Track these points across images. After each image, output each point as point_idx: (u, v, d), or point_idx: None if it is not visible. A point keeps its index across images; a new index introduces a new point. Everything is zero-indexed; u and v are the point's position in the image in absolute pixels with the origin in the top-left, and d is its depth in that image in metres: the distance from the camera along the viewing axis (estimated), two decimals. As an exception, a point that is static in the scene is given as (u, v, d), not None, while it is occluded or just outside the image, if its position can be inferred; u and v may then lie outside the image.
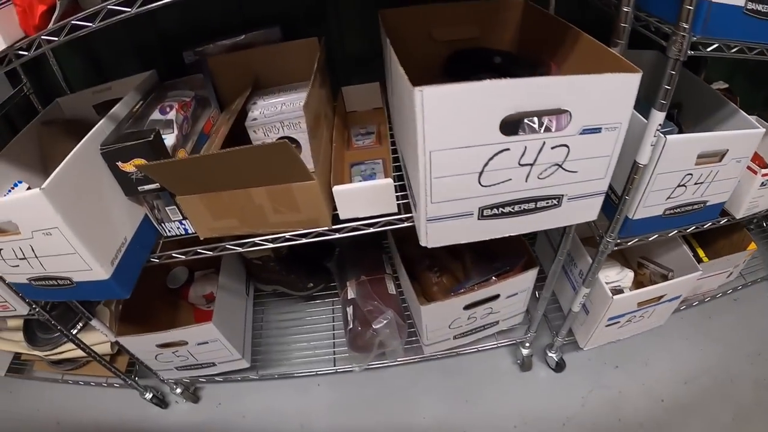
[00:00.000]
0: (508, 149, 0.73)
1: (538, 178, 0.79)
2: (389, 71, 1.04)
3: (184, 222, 1.08)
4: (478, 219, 0.84)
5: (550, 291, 1.35)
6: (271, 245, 1.07)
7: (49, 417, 1.63)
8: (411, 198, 0.97)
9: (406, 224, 1.03)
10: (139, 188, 1.00)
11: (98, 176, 0.95)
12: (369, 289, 1.48)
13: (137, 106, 1.07)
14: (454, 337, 1.44)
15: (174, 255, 1.09)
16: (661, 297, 1.33)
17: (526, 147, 0.74)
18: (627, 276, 1.45)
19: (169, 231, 1.10)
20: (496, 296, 1.31)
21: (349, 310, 1.48)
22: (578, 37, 0.88)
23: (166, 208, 1.05)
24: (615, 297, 1.24)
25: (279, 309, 1.79)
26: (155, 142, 0.93)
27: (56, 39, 0.75)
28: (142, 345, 1.33)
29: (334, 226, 1.04)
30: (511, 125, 0.73)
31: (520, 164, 0.76)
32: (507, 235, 0.88)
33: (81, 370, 1.59)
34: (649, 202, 1.03)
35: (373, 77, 1.33)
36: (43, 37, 0.75)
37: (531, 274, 1.31)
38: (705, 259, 1.49)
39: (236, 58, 1.19)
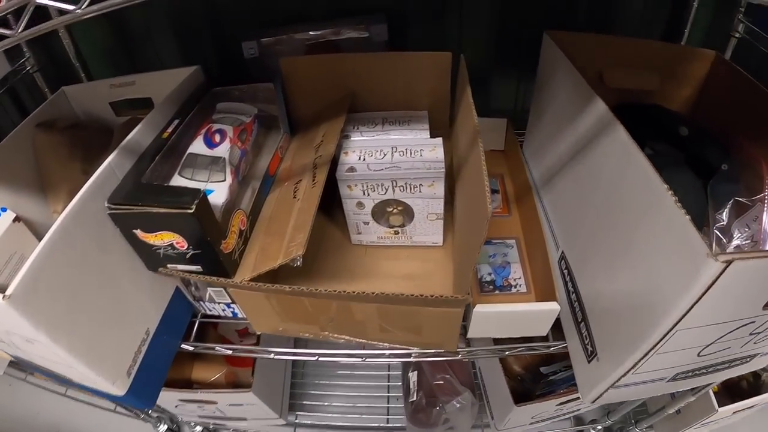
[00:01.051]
0: (753, 322, 0.48)
1: (753, 343, 0.54)
2: (558, 116, 0.67)
3: (232, 306, 0.66)
4: (668, 382, 0.58)
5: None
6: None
7: (49, 424, 1.30)
8: (582, 341, 0.62)
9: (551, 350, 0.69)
10: (169, 266, 0.58)
11: (105, 246, 0.54)
12: (438, 355, 1.09)
13: (171, 127, 0.63)
14: (531, 423, 1.09)
15: (218, 349, 0.68)
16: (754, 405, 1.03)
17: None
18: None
19: (210, 310, 0.69)
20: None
21: (412, 376, 1.09)
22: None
23: (210, 290, 0.63)
24: (720, 409, 0.96)
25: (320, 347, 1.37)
26: (200, 214, 0.50)
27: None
28: (161, 398, 0.94)
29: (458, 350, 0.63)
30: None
31: (749, 334, 0.51)
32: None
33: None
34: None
35: (489, 106, 0.90)
36: None
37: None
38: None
39: (324, 63, 0.72)
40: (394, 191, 0.62)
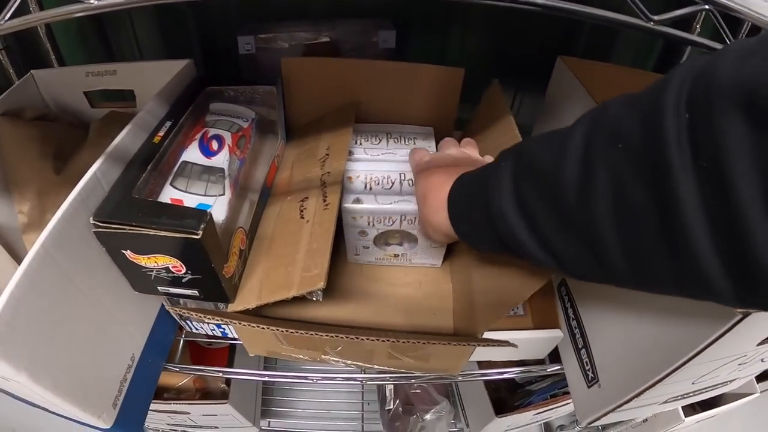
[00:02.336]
0: (745, 355, 0.50)
1: (738, 370, 0.56)
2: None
3: (223, 326, 0.61)
4: (660, 404, 0.60)
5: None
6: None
7: (4, 428, 1.21)
8: (582, 367, 0.61)
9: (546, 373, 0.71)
10: (160, 289, 0.52)
11: (88, 267, 0.47)
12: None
13: (162, 130, 0.56)
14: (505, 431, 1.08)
15: (207, 372, 0.63)
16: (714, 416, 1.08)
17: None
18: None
19: (197, 329, 0.63)
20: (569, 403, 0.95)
21: (388, 384, 1.06)
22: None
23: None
24: (686, 419, 0.99)
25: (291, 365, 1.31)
26: (206, 238, 0.44)
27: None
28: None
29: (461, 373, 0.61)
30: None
31: (738, 364, 0.53)
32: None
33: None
34: None
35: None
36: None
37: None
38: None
39: (329, 67, 0.65)
40: (401, 224, 0.58)
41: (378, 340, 0.45)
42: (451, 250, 0.66)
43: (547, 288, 0.65)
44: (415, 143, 0.64)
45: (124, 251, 0.47)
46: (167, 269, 0.48)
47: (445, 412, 1.01)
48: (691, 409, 1.05)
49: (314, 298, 0.47)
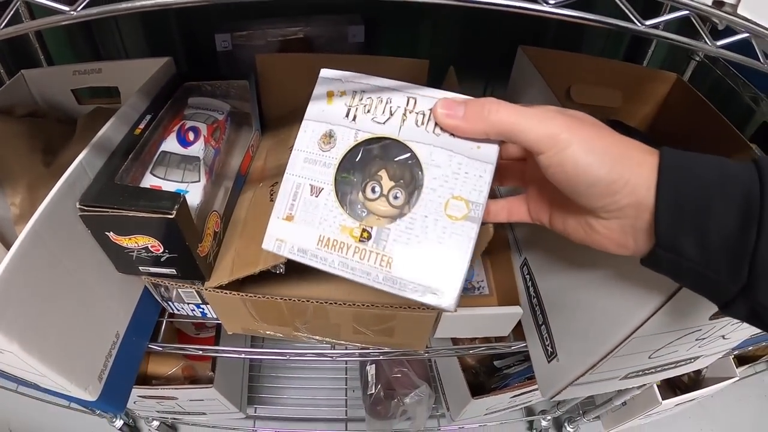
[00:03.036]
0: (700, 329, 0.51)
1: (698, 347, 0.58)
2: None
3: (203, 306, 0.65)
4: (620, 380, 0.63)
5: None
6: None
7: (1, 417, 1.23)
8: (543, 342, 0.64)
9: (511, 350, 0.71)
10: (141, 269, 0.56)
11: (74, 248, 0.51)
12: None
13: (143, 123, 0.61)
14: (485, 414, 1.12)
15: (189, 349, 0.67)
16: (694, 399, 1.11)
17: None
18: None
19: (179, 310, 0.67)
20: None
21: (370, 369, 1.11)
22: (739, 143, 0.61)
23: (180, 291, 0.62)
24: (664, 402, 1.01)
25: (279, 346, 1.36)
26: (180, 218, 0.49)
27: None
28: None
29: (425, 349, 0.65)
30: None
31: (695, 339, 0.54)
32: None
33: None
34: None
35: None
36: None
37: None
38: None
39: (301, 62, 0.69)
40: None
41: (339, 304, 0.49)
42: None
43: (509, 267, 0.68)
44: None
45: (107, 233, 0.51)
46: (147, 249, 0.52)
47: (426, 395, 1.04)
48: (671, 392, 1.09)
49: (278, 271, 0.51)
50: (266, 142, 0.72)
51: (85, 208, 0.48)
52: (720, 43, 0.31)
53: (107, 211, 0.48)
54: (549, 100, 0.61)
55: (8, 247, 0.62)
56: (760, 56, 0.31)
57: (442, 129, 0.35)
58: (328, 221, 0.37)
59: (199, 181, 0.58)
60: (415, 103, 0.36)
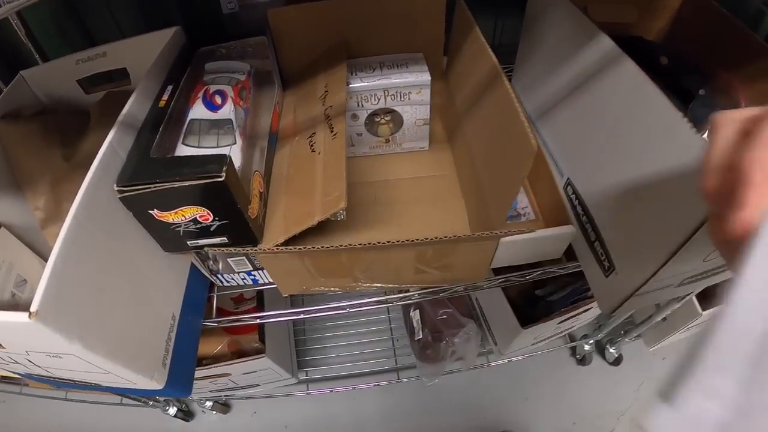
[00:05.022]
0: None
1: None
2: (554, 51, 0.67)
3: (254, 273, 0.63)
4: (676, 287, 0.60)
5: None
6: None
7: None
8: (598, 258, 0.62)
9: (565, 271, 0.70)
10: (189, 243, 0.54)
11: (119, 233, 0.49)
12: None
13: (166, 94, 0.58)
14: (532, 345, 1.13)
15: (245, 321, 0.65)
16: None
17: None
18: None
19: (228, 282, 0.65)
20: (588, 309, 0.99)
21: (415, 315, 1.10)
22: (758, 47, 0.57)
23: (229, 260, 0.60)
24: (704, 313, 1.01)
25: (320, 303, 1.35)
26: (230, 180, 0.46)
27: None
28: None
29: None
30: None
31: None
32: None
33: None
34: None
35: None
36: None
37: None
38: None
39: (314, 12, 0.65)
40: (386, 100, 0.64)
41: (402, 243, 0.47)
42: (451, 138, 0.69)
43: (553, 189, 0.66)
44: (407, 67, 0.65)
45: (150, 211, 0.49)
46: (195, 220, 0.50)
47: (473, 332, 1.04)
48: (708, 304, 1.08)
49: (338, 218, 0.49)
50: (291, 98, 0.69)
51: (125, 189, 0.46)
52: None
53: (149, 187, 0.46)
54: (579, 23, 0.58)
55: (39, 254, 0.60)
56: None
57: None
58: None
59: (235, 143, 0.55)
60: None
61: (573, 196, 0.66)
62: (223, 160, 0.46)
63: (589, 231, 0.63)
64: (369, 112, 0.65)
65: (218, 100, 0.57)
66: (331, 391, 1.16)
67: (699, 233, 0.43)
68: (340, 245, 0.47)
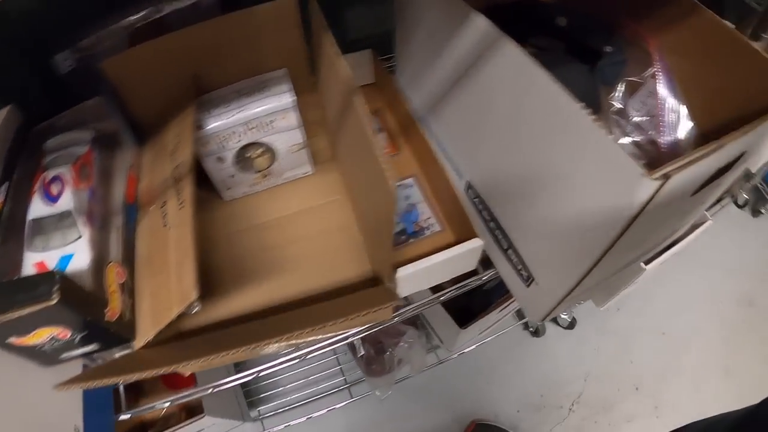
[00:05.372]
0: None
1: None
2: (431, 37, 0.60)
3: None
4: (609, 277, 0.60)
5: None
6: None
7: None
8: (515, 267, 0.58)
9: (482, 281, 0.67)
10: (63, 356, 0.49)
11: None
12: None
13: (1, 195, 0.51)
14: (480, 334, 1.11)
15: (158, 405, 0.61)
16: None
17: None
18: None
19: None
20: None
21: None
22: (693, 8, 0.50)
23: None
24: (647, 267, 0.94)
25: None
26: (66, 298, 0.41)
27: None
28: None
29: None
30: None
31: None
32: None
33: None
34: None
35: (347, 38, 0.82)
36: None
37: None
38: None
39: (153, 50, 0.57)
40: (247, 134, 0.58)
41: (278, 339, 0.43)
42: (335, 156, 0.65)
43: (453, 197, 0.62)
44: (269, 90, 0.59)
45: (9, 341, 0.44)
46: (54, 338, 0.45)
47: (415, 337, 1.02)
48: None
49: (192, 311, 0.45)
50: (148, 155, 0.62)
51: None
52: None
53: (-7, 321, 0.41)
54: (450, 2, 0.52)
55: None
56: None
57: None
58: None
59: (80, 236, 0.49)
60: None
61: (477, 200, 0.62)
62: (52, 279, 0.40)
63: (500, 238, 0.59)
64: (234, 151, 0.58)
65: (54, 190, 0.50)
66: (287, 425, 1.12)
67: (629, 231, 0.39)
68: (199, 358, 0.43)
